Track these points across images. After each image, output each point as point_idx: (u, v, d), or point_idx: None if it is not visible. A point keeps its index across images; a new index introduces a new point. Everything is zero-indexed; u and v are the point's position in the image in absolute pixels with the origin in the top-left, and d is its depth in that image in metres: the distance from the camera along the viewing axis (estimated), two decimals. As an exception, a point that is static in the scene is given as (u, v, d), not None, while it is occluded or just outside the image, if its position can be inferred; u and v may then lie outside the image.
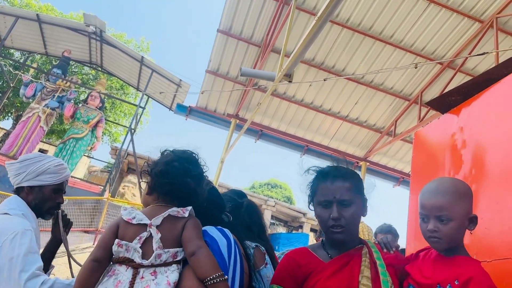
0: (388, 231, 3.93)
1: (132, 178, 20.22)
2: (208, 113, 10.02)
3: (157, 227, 1.17)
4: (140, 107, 11.90)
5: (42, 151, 17.40)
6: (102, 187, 10.43)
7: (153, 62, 11.78)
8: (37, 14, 11.26)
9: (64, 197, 1.83)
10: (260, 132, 9.90)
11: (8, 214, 1.59)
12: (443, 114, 2.90)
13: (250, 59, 8.67)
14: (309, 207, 1.43)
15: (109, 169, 19.29)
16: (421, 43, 7.64)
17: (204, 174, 1.35)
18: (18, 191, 1.72)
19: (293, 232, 16.99)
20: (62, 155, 10.53)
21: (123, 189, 19.90)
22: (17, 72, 12.39)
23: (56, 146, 12.43)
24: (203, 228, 1.27)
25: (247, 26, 8.05)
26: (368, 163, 10.03)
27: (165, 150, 1.33)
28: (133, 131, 11.61)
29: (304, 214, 16.79)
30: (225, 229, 1.31)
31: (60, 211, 1.82)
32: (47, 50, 12.54)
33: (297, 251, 1.42)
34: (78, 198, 8.98)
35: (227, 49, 8.53)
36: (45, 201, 1.72)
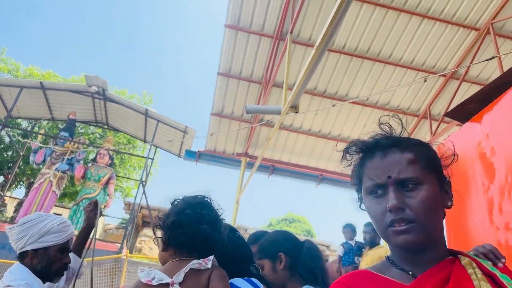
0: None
1: (148, 231, 19.94)
2: (218, 155, 10.00)
3: (180, 284, 1.08)
4: (149, 158, 11.91)
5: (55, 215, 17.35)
6: (120, 245, 10.23)
7: (157, 113, 11.93)
8: (40, 82, 11.59)
9: (81, 259, 1.78)
10: (272, 167, 9.79)
11: (11, 286, 1.48)
12: (463, 123, 2.81)
13: (252, 96, 8.72)
14: (360, 207, 0.97)
15: (124, 225, 19.09)
16: (421, 58, 7.65)
17: (220, 217, 1.25)
18: (22, 256, 1.62)
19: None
20: (77, 217, 10.43)
21: (140, 243, 19.59)
22: (26, 140, 12.58)
23: (69, 209, 12.37)
24: (231, 281, 1.17)
25: (245, 66, 8.17)
26: (386, 185, 9.75)
27: (175, 200, 1.25)
28: (144, 183, 11.55)
29: (328, 247, 16.24)
30: (253, 279, 1.21)
31: (97, 200, 1.90)
32: (53, 115, 12.79)
33: (352, 275, 0.92)
34: (96, 259, 8.78)
35: (229, 90, 8.62)
36: (52, 263, 1.62)
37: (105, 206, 11.44)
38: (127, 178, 17.15)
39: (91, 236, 1.95)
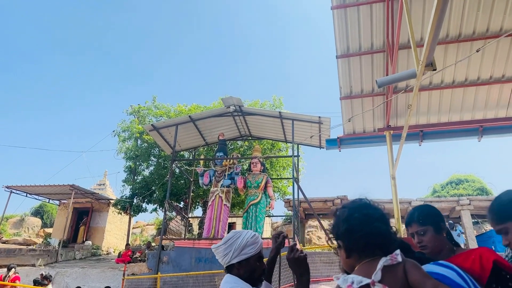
0: None
1: (312, 222, 20.82)
2: (359, 136, 9.85)
3: (380, 282, 1.12)
4: (295, 156, 12.51)
5: (230, 224, 19.64)
6: (292, 239, 11.01)
7: (290, 113, 12.48)
8: (189, 116, 13.38)
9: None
10: (421, 133, 9.18)
11: None
12: None
13: (379, 67, 8.39)
14: None
15: (288, 220, 20.35)
16: None
17: (385, 213, 1.27)
18: (229, 269, 1.95)
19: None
20: (249, 222, 11.67)
21: (308, 235, 20.60)
22: (192, 168, 14.68)
23: (241, 217, 13.88)
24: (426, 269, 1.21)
25: (363, 39, 7.93)
26: None
27: (336, 210, 1.31)
28: (297, 180, 12.19)
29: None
30: (441, 261, 1.25)
31: (286, 234, 2.10)
32: (206, 141, 14.61)
33: None
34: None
35: (352, 69, 8.47)
36: (254, 270, 1.93)
37: (269, 207, 12.50)
38: (280, 178, 18.27)
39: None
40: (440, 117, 8.97)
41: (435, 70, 5.18)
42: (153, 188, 17.59)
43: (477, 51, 4.71)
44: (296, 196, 12.14)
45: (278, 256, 2.11)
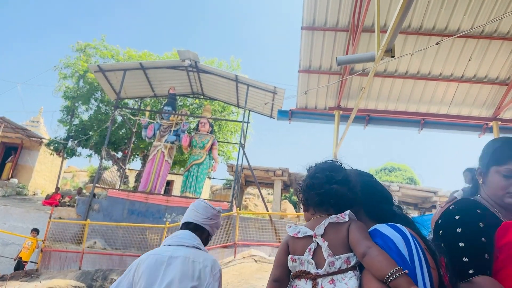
0: None
1: (251, 189, 21.21)
2: (310, 112, 9.97)
3: (322, 236, 1.21)
4: (245, 122, 12.43)
5: (168, 182, 19.38)
6: (229, 203, 11.12)
7: (246, 78, 12.26)
8: (140, 63, 12.65)
9: None
10: (367, 117, 9.47)
11: (200, 249, 1.93)
12: None
13: (340, 46, 8.41)
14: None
15: (228, 185, 20.53)
16: (538, -30, 6.51)
17: (350, 177, 1.34)
18: (190, 226, 2.03)
19: (426, 214, 15.80)
20: (189, 182, 11.56)
21: (245, 201, 20.99)
22: (136, 118, 14.05)
23: (181, 175, 13.70)
24: (374, 227, 1.23)
25: (330, 14, 7.85)
26: (499, 122, 8.82)
27: (309, 167, 1.40)
28: (243, 146, 12.19)
29: (435, 193, 15.45)
30: (398, 225, 1.21)
31: None
32: (155, 92, 13.99)
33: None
34: (211, 217, 9.74)
35: (314, 43, 8.42)
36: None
37: (211, 169, 12.44)
38: (226, 142, 18.18)
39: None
40: (388, 105, 9.30)
41: (393, 57, 5.24)
42: (90, 133, 16.68)
43: (437, 43, 4.82)
44: (240, 162, 12.18)
45: None
